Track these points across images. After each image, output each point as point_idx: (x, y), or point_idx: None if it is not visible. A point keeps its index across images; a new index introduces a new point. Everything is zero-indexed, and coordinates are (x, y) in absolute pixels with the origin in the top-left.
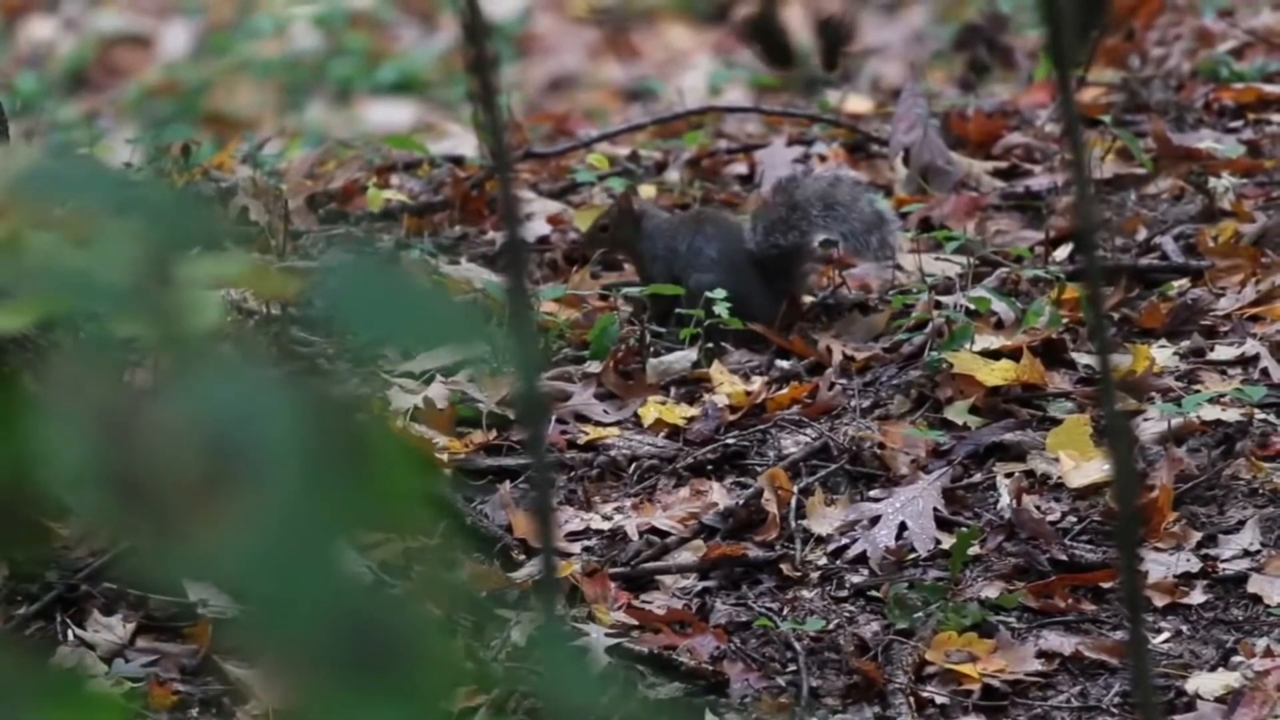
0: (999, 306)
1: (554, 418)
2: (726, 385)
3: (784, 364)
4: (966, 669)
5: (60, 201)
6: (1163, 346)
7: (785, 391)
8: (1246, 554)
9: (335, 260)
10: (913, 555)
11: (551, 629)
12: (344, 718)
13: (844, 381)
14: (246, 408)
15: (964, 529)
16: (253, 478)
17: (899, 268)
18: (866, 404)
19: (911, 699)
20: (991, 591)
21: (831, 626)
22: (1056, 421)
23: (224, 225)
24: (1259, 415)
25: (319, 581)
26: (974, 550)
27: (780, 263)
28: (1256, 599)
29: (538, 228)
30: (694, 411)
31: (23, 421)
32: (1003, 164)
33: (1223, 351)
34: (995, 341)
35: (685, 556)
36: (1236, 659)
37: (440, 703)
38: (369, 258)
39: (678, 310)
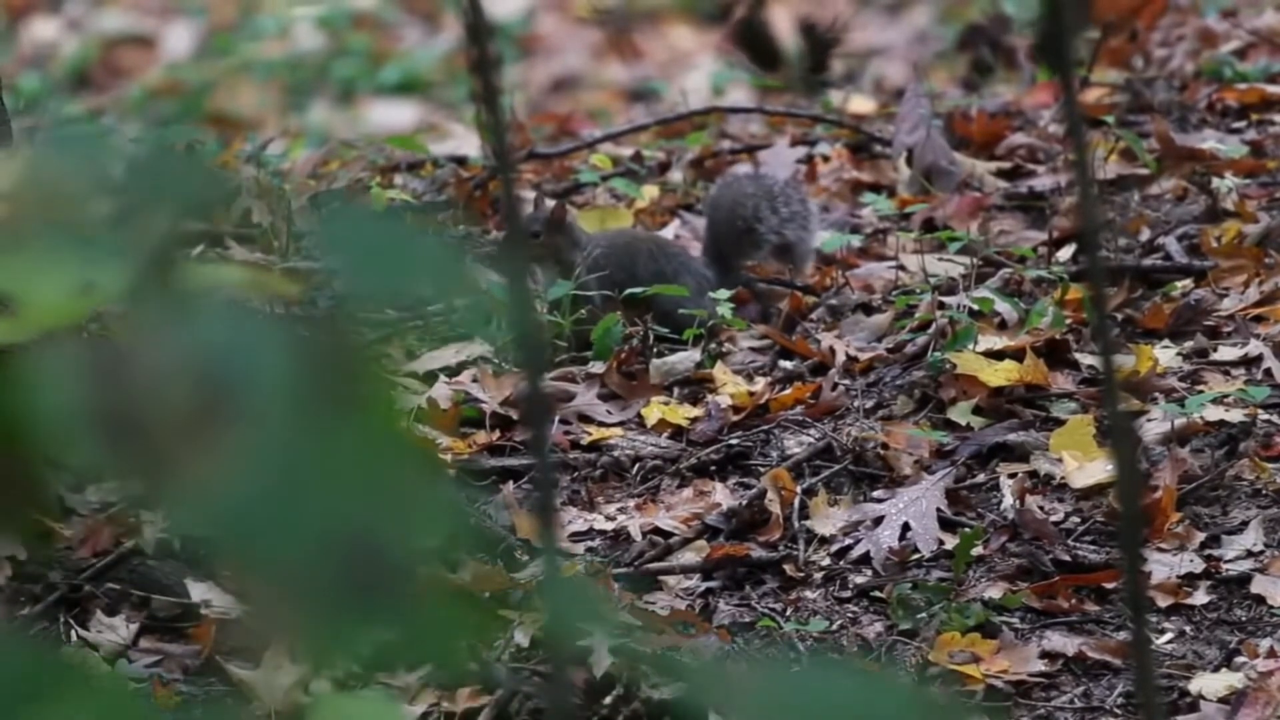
0: (1002, 307)
1: (557, 418)
2: (729, 385)
3: (787, 364)
4: (970, 669)
5: (62, 170)
6: (1166, 347)
7: (788, 392)
8: (1250, 554)
9: (333, 212)
10: (916, 556)
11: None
12: (341, 645)
13: (847, 382)
14: (235, 344)
15: (967, 529)
16: (244, 412)
17: (902, 268)
18: (870, 404)
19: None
20: (995, 592)
21: (835, 627)
22: (1060, 422)
23: (225, 186)
24: (1262, 416)
25: (313, 512)
26: (977, 551)
27: (727, 255)
28: (1260, 599)
29: None
30: (697, 412)
31: (14, 385)
32: (1006, 164)
33: (1226, 352)
34: (998, 342)
35: (688, 557)
36: (1240, 659)
37: (436, 627)
38: (366, 210)
39: (681, 310)
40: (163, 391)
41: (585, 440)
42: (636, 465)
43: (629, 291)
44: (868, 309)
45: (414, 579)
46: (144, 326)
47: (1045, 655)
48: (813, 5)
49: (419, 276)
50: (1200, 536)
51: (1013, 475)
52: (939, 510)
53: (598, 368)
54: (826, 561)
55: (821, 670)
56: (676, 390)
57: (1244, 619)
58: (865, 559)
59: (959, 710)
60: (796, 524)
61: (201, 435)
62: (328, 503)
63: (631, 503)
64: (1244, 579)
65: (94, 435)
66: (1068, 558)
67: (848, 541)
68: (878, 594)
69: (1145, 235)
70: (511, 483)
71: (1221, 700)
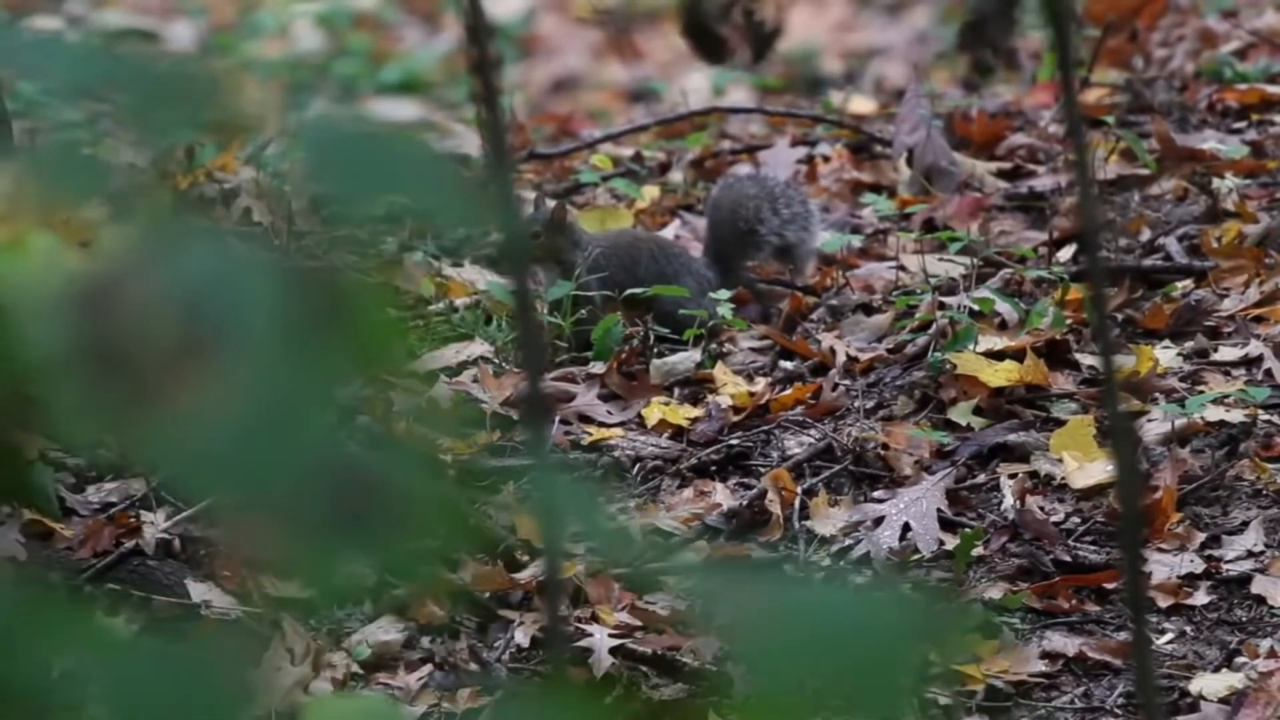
0: (1003, 307)
1: (558, 419)
2: (730, 386)
3: (788, 365)
4: (970, 670)
5: (33, 78)
6: (1166, 347)
7: (789, 392)
8: (1250, 555)
9: (313, 119)
10: (916, 556)
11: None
12: (327, 575)
13: (848, 382)
14: (220, 275)
15: (968, 530)
16: (229, 344)
17: (902, 268)
18: (870, 405)
19: (915, 700)
20: (995, 592)
21: None
22: (1060, 422)
23: (214, 97)
24: (1263, 416)
25: (299, 444)
26: (978, 551)
27: (728, 256)
28: (1260, 600)
29: None
30: (697, 412)
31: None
32: (1006, 165)
33: (1226, 352)
34: (999, 342)
35: (689, 557)
36: (1240, 660)
37: (422, 558)
38: (348, 119)
39: (682, 310)
40: (148, 324)
41: (586, 441)
42: (637, 466)
43: (630, 292)
44: (868, 309)
45: (401, 506)
46: (129, 262)
47: (1046, 655)
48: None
49: (402, 182)
50: (1200, 537)
51: (1013, 475)
52: (939, 510)
53: (598, 368)
54: (827, 562)
55: (819, 587)
56: (677, 391)
57: (1244, 619)
58: (866, 559)
59: (957, 614)
60: (797, 524)
61: (188, 369)
62: (314, 433)
63: (632, 503)
64: (1244, 579)
65: (79, 370)
66: (1068, 558)
67: (848, 542)
68: None
69: (1145, 235)
70: (512, 483)
71: (1222, 701)
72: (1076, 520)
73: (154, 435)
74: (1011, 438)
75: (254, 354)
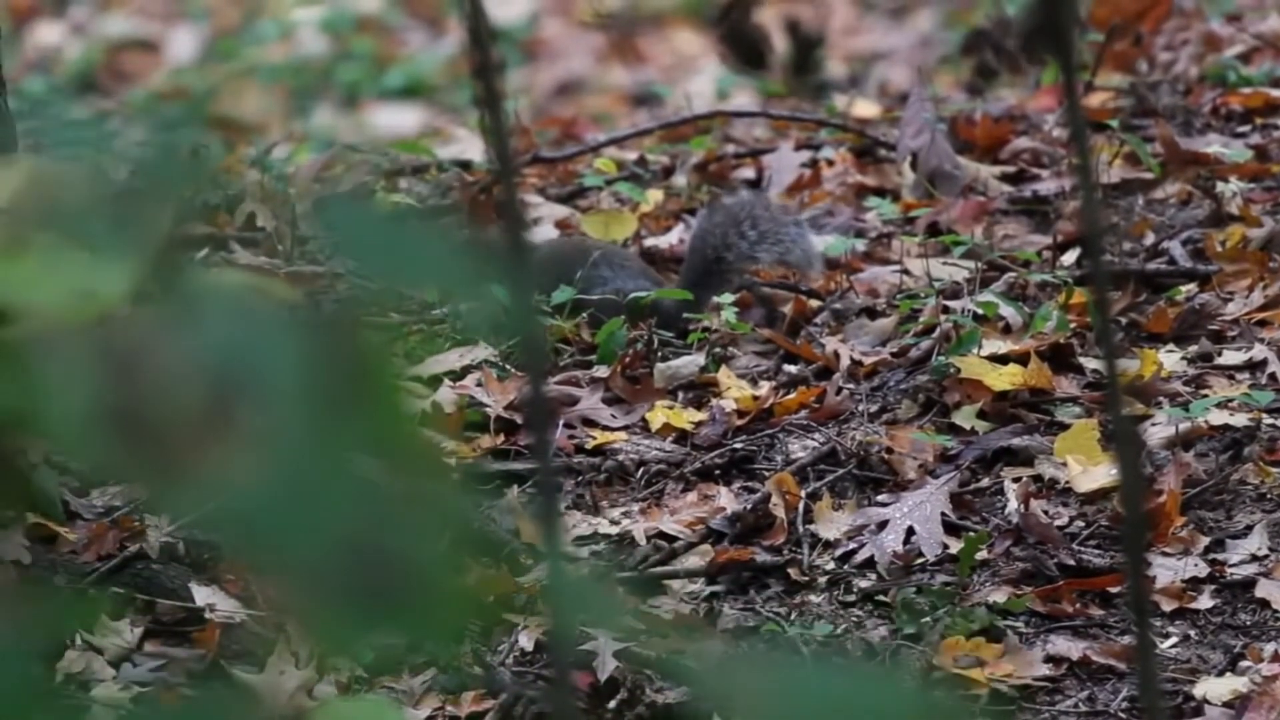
0: (1006, 311)
1: (561, 422)
2: (734, 390)
3: (791, 368)
4: (974, 674)
5: (63, 175)
6: (1170, 351)
7: (793, 396)
8: (1254, 559)
9: (333, 201)
10: (920, 560)
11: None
12: (350, 645)
13: (851, 386)
14: (246, 339)
15: (972, 533)
16: (255, 409)
17: (906, 272)
18: (874, 408)
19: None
20: (999, 596)
21: (839, 631)
22: (1064, 426)
23: (204, 166)
24: (1267, 420)
25: (326, 510)
26: (982, 555)
27: (710, 274)
28: (1264, 604)
29: (546, 232)
30: (701, 416)
31: (20, 370)
32: (1010, 168)
33: (1230, 356)
34: (1003, 346)
35: (693, 561)
36: (1244, 664)
37: (448, 627)
38: (373, 210)
39: (686, 314)
40: (174, 391)
41: (590, 444)
42: (641, 469)
43: (633, 295)
44: (872, 313)
45: (424, 581)
46: (154, 325)
47: (1049, 659)
48: (807, 7)
49: (427, 276)
50: (1204, 541)
51: (1017, 479)
52: (943, 514)
53: (602, 371)
54: (831, 565)
55: (825, 671)
56: (681, 394)
57: (1248, 623)
58: (870, 563)
59: (964, 711)
60: (801, 528)
61: (212, 435)
62: (338, 503)
63: (636, 507)
64: (1248, 583)
65: (105, 435)
66: (1072, 562)
67: (852, 545)
68: (882, 598)
69: (1149, 239)
70: (516, 487)
71: (1226, 705)
72: (1080, 524)
73: (180, 499)
74: (1015, 441)
75: (278, 423)
